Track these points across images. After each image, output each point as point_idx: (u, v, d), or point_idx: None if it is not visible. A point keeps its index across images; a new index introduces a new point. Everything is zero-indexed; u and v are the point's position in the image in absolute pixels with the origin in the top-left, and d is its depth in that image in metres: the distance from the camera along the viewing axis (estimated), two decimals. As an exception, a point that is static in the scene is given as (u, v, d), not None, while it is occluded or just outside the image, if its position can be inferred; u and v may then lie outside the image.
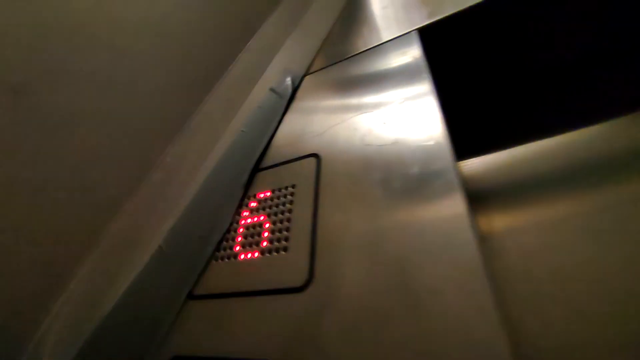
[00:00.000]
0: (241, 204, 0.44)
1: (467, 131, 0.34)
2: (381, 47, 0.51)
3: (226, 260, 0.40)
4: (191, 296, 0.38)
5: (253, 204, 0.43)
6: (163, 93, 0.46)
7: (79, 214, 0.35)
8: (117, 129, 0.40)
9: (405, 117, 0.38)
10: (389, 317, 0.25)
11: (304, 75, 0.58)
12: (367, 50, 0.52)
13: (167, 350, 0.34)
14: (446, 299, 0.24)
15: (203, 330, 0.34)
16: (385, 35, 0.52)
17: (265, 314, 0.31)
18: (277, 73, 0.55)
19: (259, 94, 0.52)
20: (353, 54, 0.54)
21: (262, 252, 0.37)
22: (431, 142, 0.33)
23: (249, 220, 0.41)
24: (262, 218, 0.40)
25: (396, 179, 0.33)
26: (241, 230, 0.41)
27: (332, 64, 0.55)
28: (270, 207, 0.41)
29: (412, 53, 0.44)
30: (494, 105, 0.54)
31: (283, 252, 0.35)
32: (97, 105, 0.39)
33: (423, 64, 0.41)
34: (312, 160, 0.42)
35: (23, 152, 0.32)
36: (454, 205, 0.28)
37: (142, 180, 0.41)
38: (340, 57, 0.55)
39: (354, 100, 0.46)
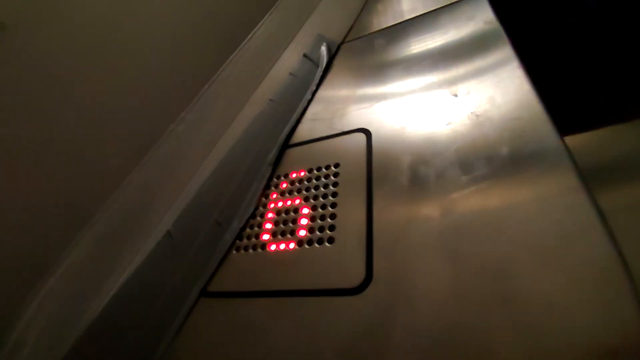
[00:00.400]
0: (269, 185, 0.37)
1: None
2: (438, 12, 0.45)
3: (251, 251, 0.33)
4: (206, 293, 0.32)
5: (284, 185, 0.36)
6: (177, 49, 0.40)
7: (69, 189, 0.29)
8: (119, 88, 0.34)
9: (482, 88, 0.31)
10: (486, 337, 0.19)
11: (341, 43, 0.51)
12: (419, 15, 0.46)
13: (175, 357, 0.29)
14: (573, 321, 0.18)
15: (220, 335, 0.29)
16: (442, 0, 0.45)
17: (307, 321, 0.26)
18: (311, 38, 0.48)
19: (290, 60, 0.45)
20: (401, 21, 0.47)
21: (299, 243, 0.30)
22: (523, 117, 0.27)
23: (280, 204, 0.34)
24: (297, 202, 0.33)
25: (479, 161, 0.27)
26: (270, 215, 0.34)
27: (376, 31, 0.48)
28: (307, 190, 0.34)
29: (483, 17, 0.38)
30: (574, 78, 0.48)
31: (328, 244, 0.29)
32: (97, 58, 0.32)
33: (499, 29, 0.34)
34: (360, 136, 0.35)
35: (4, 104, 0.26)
36: (569, 193, 0.22)
37: (149, 151, 0.34)
38: (385, 24, 0.49)
39: (408, 70, 0.39)
